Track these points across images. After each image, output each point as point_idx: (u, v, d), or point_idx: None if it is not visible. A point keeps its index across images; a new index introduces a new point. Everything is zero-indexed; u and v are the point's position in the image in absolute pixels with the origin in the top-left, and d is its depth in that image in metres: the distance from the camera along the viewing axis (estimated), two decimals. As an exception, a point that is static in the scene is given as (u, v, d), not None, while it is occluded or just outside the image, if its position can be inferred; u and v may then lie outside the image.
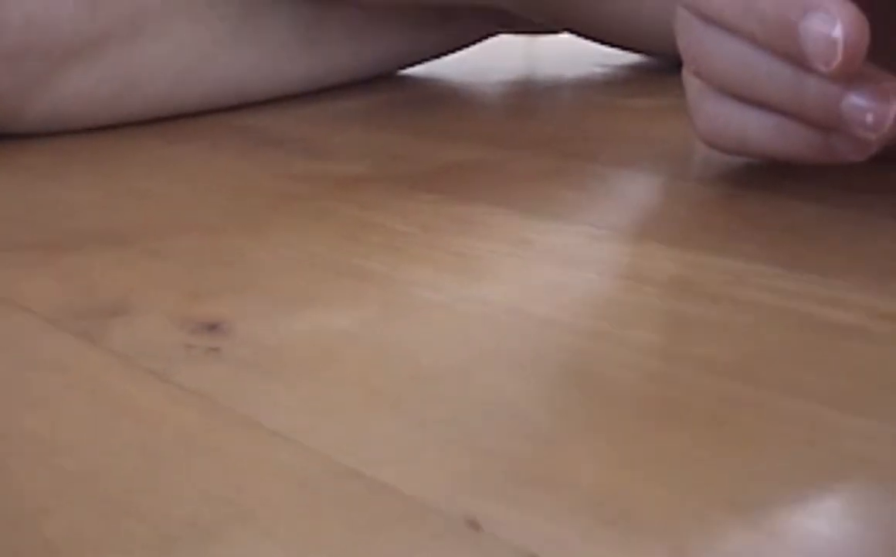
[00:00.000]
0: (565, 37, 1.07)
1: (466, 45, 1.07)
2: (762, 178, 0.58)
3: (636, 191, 0.59)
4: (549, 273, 0.46)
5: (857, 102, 0.46)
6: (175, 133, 0.80)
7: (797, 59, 0.47)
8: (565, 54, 1.15)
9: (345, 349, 0.39)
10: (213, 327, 0.41)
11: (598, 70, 1.05)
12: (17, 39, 0.74)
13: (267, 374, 0.37)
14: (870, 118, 0.46)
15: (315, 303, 0.44)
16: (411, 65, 1.06)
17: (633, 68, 1.04)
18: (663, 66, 1.01)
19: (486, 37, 1.08)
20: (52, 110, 0.79)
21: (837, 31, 0.44)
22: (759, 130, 0.52)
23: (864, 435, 0.30)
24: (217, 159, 0.71)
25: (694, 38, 0.53)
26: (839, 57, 0.44)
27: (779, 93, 0.49)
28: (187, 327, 0.41)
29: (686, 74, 0.57)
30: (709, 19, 0.51)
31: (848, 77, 0.45)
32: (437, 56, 1.06)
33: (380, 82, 1.03)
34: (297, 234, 0.53)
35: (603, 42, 1.06)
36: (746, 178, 0.59)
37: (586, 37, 1.04)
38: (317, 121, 0.85)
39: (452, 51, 1.07)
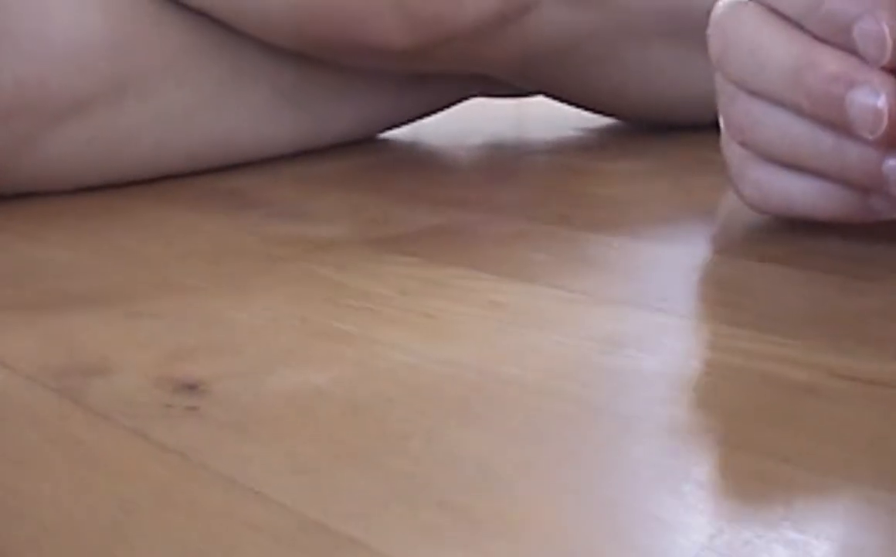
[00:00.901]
0: (544, 100, 1.09)
1: (446, 107, 1.09)
2: (730, 241, 0.60)
3: (607, 254, 0.61)
4: (520, 336, 0.47)
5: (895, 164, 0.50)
6: (159, 194, 0.82)
7: (841, 127, 0.50)
8: (544, 117, 1.16)
9: (318, 407, 0.40)
10: (191, 387, 0.42)
11: (575, 134, 1.07)
12: (8, 100, 0.76)
13: (243, 432, 0.38)
14: None
15: (290, 362, 0.45)
16: (392, 127, 1.07)
17: (611, 132, 1.06)
18: (641, 129, 1.03)
19: (465, 98, 1.09)
20: (41, 170, 0.80)
21: (882, 103, 0.48)
22: (803, 194, 0.55)
23: (816, 489, 0.32)
24: (200, 221, 0.72)
25: (740, 111, 0.56)
26: (884, 125, 0.48)
27: (822, 158, 0.53)
28: (166, 386, 0.42)
29: (728, 143, 0.59)
30: (756, 93, 0.55)
31: (889, 142, 0.49)
32: (418, 117, 1.07)
33: (361, 145, 1.04)
34: (277, 295, 0.55)
35: (587, 109, 1.08)
36: (719, 241, 0.61)
37: (570, 103, 1.06)
38: (298, 183, 0.86)
39: (433, 112, 1.08)
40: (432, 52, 0.89)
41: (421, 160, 0.98)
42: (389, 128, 1.07)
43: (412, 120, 1.07)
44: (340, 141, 1.01)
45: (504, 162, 0.94)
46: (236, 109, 0.90)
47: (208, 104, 0.88)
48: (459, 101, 1.09)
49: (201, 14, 0.86)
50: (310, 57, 0.92)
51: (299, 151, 0.97)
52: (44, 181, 0.81)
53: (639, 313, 0.50)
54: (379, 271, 0.58)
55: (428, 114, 1.08)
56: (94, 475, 0.35)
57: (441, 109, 1.08)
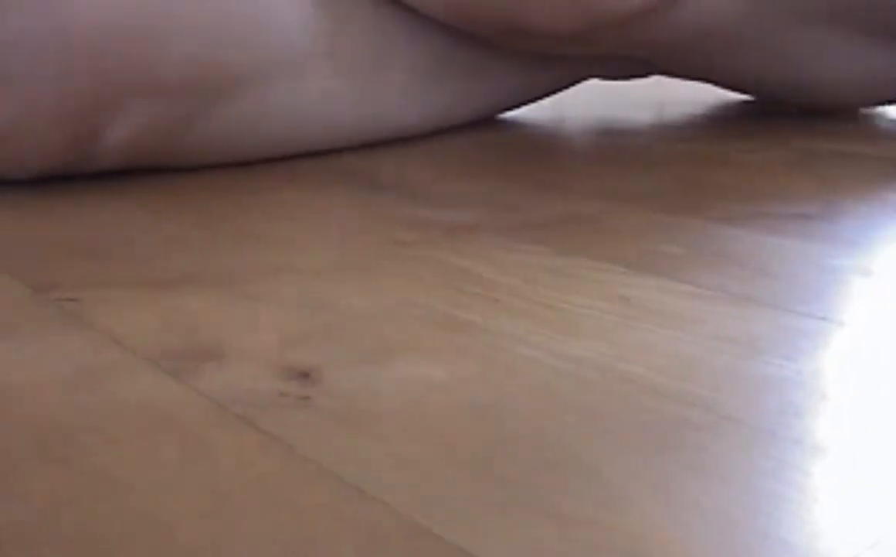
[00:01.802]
0: (660, 80, 1.07)
1: (566, 87, 1.08)
2: (876, 240, 0.57)
3: (743, 249, 0.58)
4: (647, 333, 0.45)
5: None
6: (287, 175, 0.81)
7: None
8: (643, 99, 1.14)
9: (432, 402, 0.39)
10: (305, 375, 0.41)
11: (702, 117, 1.04)
12: (178, 76, 0.77)
13: (353, 425, 0.37)
14: None
15: (409, 354, 0.44)
16: (516, 107, 1.07)
17: (740, 116, 1.03)
18: (773, 115, 1.00)
19: (584, 79, 1.08)
20: (200, 146, 0.82)
21: None
22: None
23: (955, 519, 0.29)
24: (328, 203, 0.72)
25: None
26: None
27: None
28: (280, 374, 0.41)
29: None
30: None
31: None
32: (540, 97, 1.07)
33: (483, 127, 1.03)
34: (399, 282, 0.53)
35: (729, 88, 1.05)
36: (864, 241, 0.58)
37: (711, 83, 1.04)
38: (429, 166, 0.85)
39: (553, 92, 1.08)
40: (594, 36, 0.90)
41: (548, 144, 0.96)
42: (513, 107, 1.07)
43: (534, 100, 1.07)
44: (470, 120, 1.02)
45: (635, 149, 0.92)
46: (377, 88, 0.91)
47: (352, 84, 0.89)
48: (579, 81, 1.09)
49: None
50: (444, 38, 0.94)
51: (432, 131, 0.98)
52: (202, 157, 0.83)
53: (775, 315, 0.47)
54: (507, 260, 0.57)
55: (548, 94, 1.08)
56: (196, 464, 0.34)
57: (560, 89, 1.08)
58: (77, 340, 0.46)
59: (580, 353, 0.43)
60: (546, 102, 1.08)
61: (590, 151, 0.92)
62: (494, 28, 0.91)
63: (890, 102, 1.05)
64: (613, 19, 0.88)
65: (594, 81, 1.09)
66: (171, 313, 0.49)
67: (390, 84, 0.91)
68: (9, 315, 0.49)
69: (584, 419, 0.37)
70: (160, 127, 0.78)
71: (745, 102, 1.14)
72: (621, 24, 0.89)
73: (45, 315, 0.49)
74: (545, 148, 0.95)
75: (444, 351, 0.44)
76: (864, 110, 1.09)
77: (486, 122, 1.04)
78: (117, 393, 0.40)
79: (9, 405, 0.39)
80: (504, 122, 1.07)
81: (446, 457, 0.34)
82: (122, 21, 0.73)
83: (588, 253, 0.57)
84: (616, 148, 0.92)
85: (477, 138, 0.98)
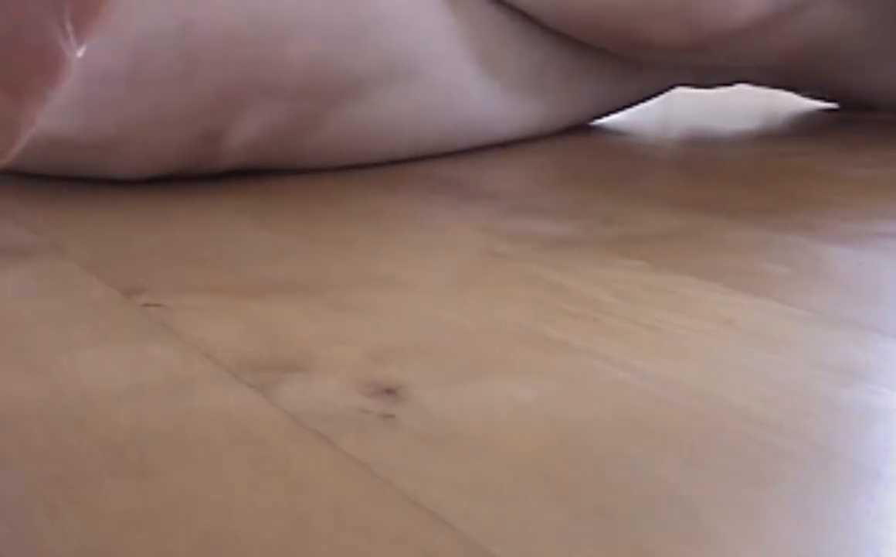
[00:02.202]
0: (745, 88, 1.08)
1: (657, 94, 1.08)
2: None
3: (852, 271, 0.56)
4: (748, 358, 0.43)
5: None
6: (385, 182, 0.80)
7: None
8: (731, 108, 1.13)
9: (520, 425, 0.37)
10: (390, 392, 0.40)
11: (799, 129, 1.01)
12: (299, 79, 0.77)
13: (435, 448, 0.35)
14: None
15: (498, 373, 0.42)
16: (608, 114, 1.06)
17: (839, 130, 1.00)
18: (873, 130, 0.97)
19: (673, 87, 1.09)
20: (320, 148, 0.82)
21: None
22: None
23: None
24: (423, 211, 0.71)
25: None
26: None
27: None
28: (365, 389, 0.40)
29: None
30: None
31: None
32: (634, 104, 1.07)
33: (574, 134, 1.02)
34: (492, 296, 0.52)
35: (836, 101, 1.04)
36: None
37: (817, 97, 1.03)
38: (522, 175, 0.84)
39: (642, 101, 1.08)
40: (706, 49, 0.92)
41: (644, 153, 0.94)
42: (606, 114, 1.06)
43: (626, 107, 1.07)
44: (566, 126, 1.01)
45: (734, 160, 0.89)
46: (487, 93, 0.90)
47: (465, 87, 0.89)
48: (668, 89, 1.08)
49: None
50: (545, 44, 0.93)
51: (535, 136, 0.97)
52: (321, 159, 0.83)
53: (884, 341, 0.45)
54: (604, 275, 0.55)
55: (639, 101, 1.07)
56: (271, 483, 0.33)
57: (650, 97, 1.08)
58: (160, 348, 0.45)
59: (676, 377, 0.41)
60: (634, 110, 1.07)
61: (688, 162, 0.90)
62: (613, 41, 0.93)
63: None
64: (724, 35, 0.90)
65: (683, 90, 1.09)
66: (258, 321, 0.48)
67: (498, 90, 0.91)
68: (95, 320, 0.49)
69: (677, 448, 0.35)
70: (282, 128, 0.78)
71: (841, 113, 1.11)
72: (732, 38, 0.90)
73: (130, 321, 0.48)
74: (641, 157, 0.93)
75: (534, 371, 0.42)
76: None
77: (579, 128, 1.03)
78: (196, 405, 0.39)
79: (88, 412, 0.38)
80: (597, 128, 1.05)
81: (529, 485, 0.33)
82: (246, 21, 0.74)
83: (688, 269, 0.55)
84: (714, 159, 0.90)
85: (572, 145, 0.96)
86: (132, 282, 0.54)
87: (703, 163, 0.89)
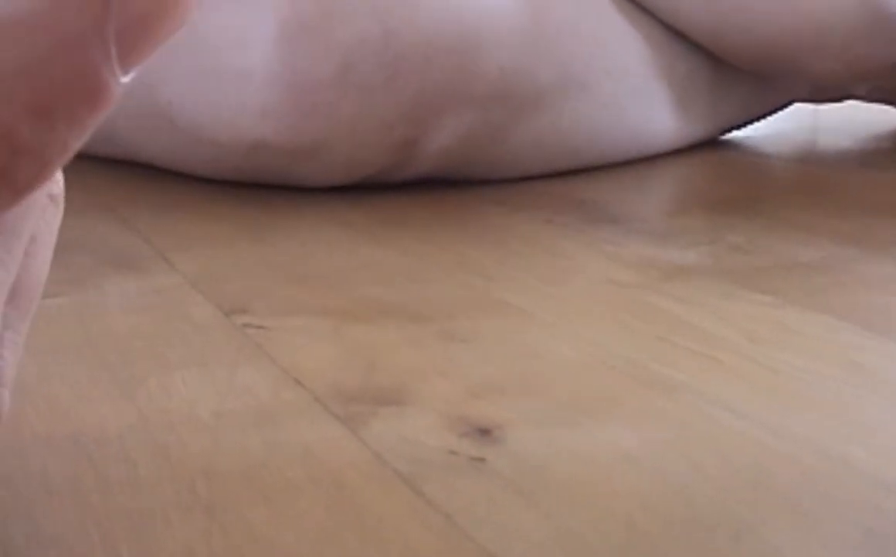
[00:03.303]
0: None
1: (779, 109, 1.10)
2: None
3: None
4: (878, 410, 0.40)
5: None
6: (514, 200, 0.78)
7: None
8: (842, 123, 1.11)
9: (619, 477, 0.34)
10: (484, 433, 0.38)
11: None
12: (490, 88, 0.78)
13: (524, 499, 0.33)
14: None
15: (603, 415, 0.39)
16: (735, 129, 1.07)
17: None
18: None
19: (793, 102, 1.11)
20: (505, 157, 0.83)
21: None
22: None
23: None
24: (547, 234, 0.68)
25: None
26: None
27: None
28: (458, 428, 0.38)
29: None
30: None
31: None
32: (756, 120, 1.08)
33: (700, 150, 0.99)
34: (607, 328, 0.49)
35: None
36: None
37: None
38: (651, 195, 0.81)
39: (768, 115, 1.09)
40: (864, 80, 0.98)
41: (779, 174, 0.90)
42: (734, 129, 1.07)
43: (753, 121, 1.08)
44: (707, 138, 1.01)
45: (870, 184, 0.84)
46: (647, 105, 0.92)
47: (632, 97, 0.90)
48: (789, 104, 1.10)
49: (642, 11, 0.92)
50: (690, 59, 0.95)
51: (679, 148, 0.98)
52: (504, 169, 0.84)
53: None
54: (728, 310, 0.52)
55: (766, 115, 1.09)
56: (345, 530, 0.31)
57: (775, 111, 1.09)
58: (251, 373, 0.43)
59: (797, 429, 0.38)
60: (762, 125, 1.06)
61: (819, 185, 0.85)
62: (769, 70, 0.97)
63: None
64: (884, 68, 0.94)
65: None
66: (359, 347, 0.46)
67: (656, 103, 0.92)
68: (191, 340, 0.47)
69: (791, 511, 0.32)
70: (471, 138, 0.79)
71: None
72: (892, 71, 0.95)
73: (226, 343, 0.47)
74: (771, 179, 0.89)
75: (643, 414, 0.39)
76: None
77: (703, 145, 1.01)
78: (278, 438, 0.37)
79: (167, 441, 0.37)
80: (726, 144, 1.03)
81: (624, 544, 0.30)
82: (444, 30, 0.75)
83: (818, 306, 0.52)
84: (846, 183, 0.85)
85: (699, 164, 0.94)
86: (235, 300, 0.53)
87: (833, 187, 0.85)
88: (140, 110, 0.79)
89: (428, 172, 0.81)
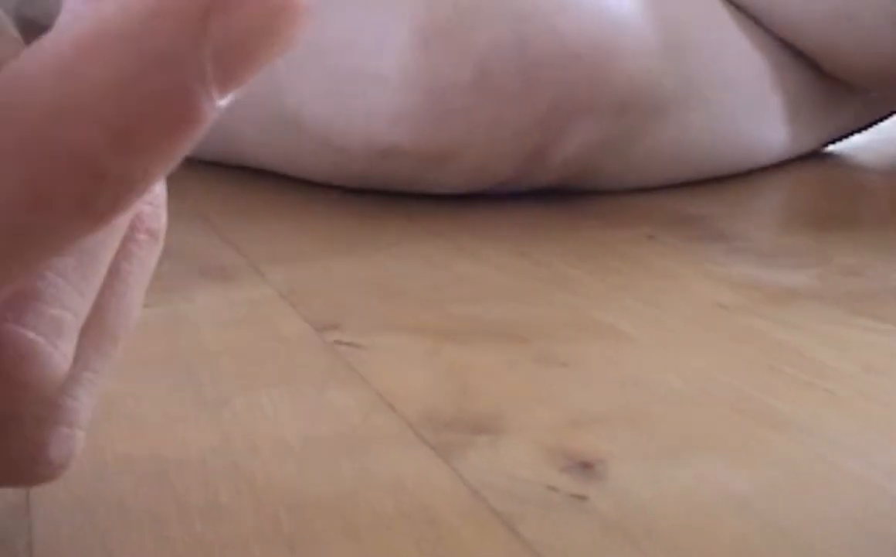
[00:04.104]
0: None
1: (877, 123, 1.08)
2: None
3: None
4: None
5: None
6: (612, 215, 0.76)
7: None
8: None
9: (727, 521, 0.32)
10: (585, 467, 0.35)
11: None
12: (618, 97, 0.77)
13: (626, 543, 0.31)
14: None
15: (709, 451, 0.37)
16: (842, 139, 1.05)
17: None
18: None
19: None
20: (624, 169, 0.82)
21: None
22: None
23: None
24: (651, 251, 0.66)
25: None
26: None
27: None
28: (557, 462, 0.36)
29: None
30: None
31: None
32: (861, 130, 1.06)
33: (803, 163, 0.97)
34: (713, 355, 0.47)
35: None
36: None
37: None
38: (760, 213, 0.78)
39: (867, 127, 1.07)
40: None
41: (885, 191, 0.86)
42: (839, 140, 1.05)
43: (856, 133, 1.06)
44: (809, 151, 1.00)
45: None
46: (765, 115, 0.90)
47: (748, 110, 0.88)
48: (888, 116, 1.08)
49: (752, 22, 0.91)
50: (801, 70, 0.93)
51: (786, 161, 0.97)
52: (623, 181, 0.83)
53: None
54: (842, 338, 0.49)
55: (865, 128, 1.07)
56: (435, 575, 0.29)
57: (874, 123, 1.07)
58: (342, 395, 0.41)
59: (920, 473, 0.36)
60: (860, 139, 1.03)
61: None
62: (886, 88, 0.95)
63: None
64: None
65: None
66: (454, 370, 0.44)
67: (768, 115, 0.91)
68: (280, 357, 0.46)
69: (917, 569, 0.30)
70: (598, 147, 0.78)
71: None
72: None
73: (317, 361, 0.45)
74: (881, 195, 0.85)
75: (751, 452, 0.37)
76: None
77: (806, 157, 0.99)
78: (369, 467, 0.35)
79: (251, 467, 0.35)
80: (824, 156, 1.00)
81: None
82: (580, 38, 0.74)
83: (941, 340, 0.49)
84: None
85: (805, 177, 0.92)
86: (327, 316, 0.51)
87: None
88: (265, 115, 0.78)
89: (550, 182, 0.80)
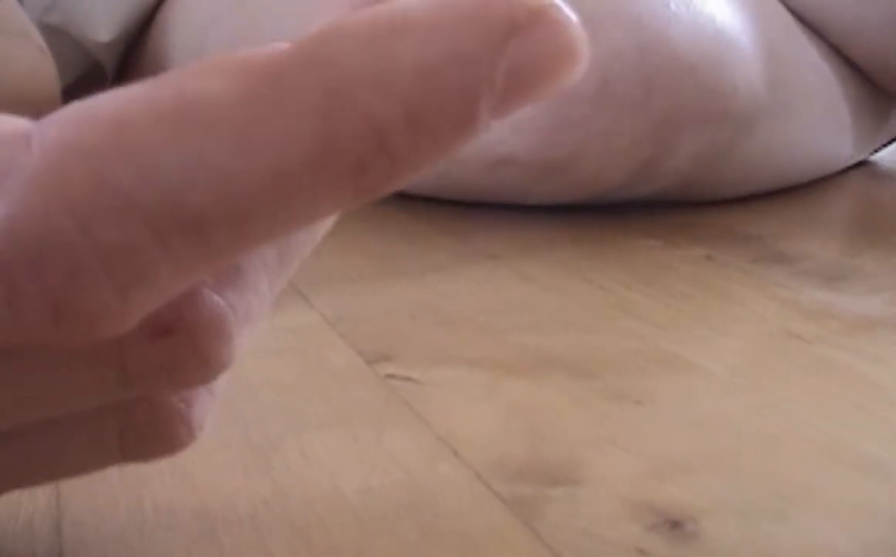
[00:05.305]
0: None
1: None
2: None
3: None
4: None
5: None
6: (666, 233, 0.72)
7: None
8: None
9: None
10: (675, 526, 0.32)
11: None
12: (725, 107, 0.76)
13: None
14: None
15: (809, 506, 0.34)
16: (882, 148, 1.05)
17: None
18: None
19: None
20: (721, 178, 0.81)
21: None
22: None
23: None
24: (711, 273, 0.62)
25: None
26: None
27: None
28: (644, 518, 0.33)
29: None
30: None
31: None
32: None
33: (846, 177, 0.94)
34: (794, 392, 0.43)
35: None
36: None
37: None
38: (821, 230, 0.75)
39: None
40: None
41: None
42: (881, 150, 1.06)
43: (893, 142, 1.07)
44: (862, 158, 1.00)
45: None
46: (835, 125, 0.90)
47: (822, 119, 0.88)
48: None
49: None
50: (856, 80, 0.93)
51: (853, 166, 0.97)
52: (716, 191, 0.83)
53: None
54: (928, 372, 0.46)
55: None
56: None
57: None
58: (401, 437, 0.38)
59: None
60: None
61: None
62: None
63: None
64: None
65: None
66: (520, 409, 0.41)
67: (837, 127, 0.91)
68: (331, 393, 0.43)
69: None
70: (703, 157, 0.77)
71: None
72: None
73: (370, 398, 0.42)
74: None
75: (853, 506, 0.34)
76: None
77: (851, 171, 0.97)
78: (436, 524, 0.32)
79: (307, 522, 0.32)
80: (865, 168, 0.98)
81: None
82: (694, 46, 0.73)
83: None
84: None
85: (853, 190, 0.89)
86: (378, 346, 0.48)
87: None
88: None
89: (654, 193, 0.79)
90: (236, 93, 0.19)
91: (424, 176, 0.78)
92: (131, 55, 1.12)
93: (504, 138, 0.73)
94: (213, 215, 0.19)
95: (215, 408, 0.28)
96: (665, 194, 0.80)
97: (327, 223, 0.28)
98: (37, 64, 0.88)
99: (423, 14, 0.19)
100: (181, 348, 0.25)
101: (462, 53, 0.19)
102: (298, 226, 0.21)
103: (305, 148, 0.19)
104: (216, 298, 0.25)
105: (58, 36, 1.06)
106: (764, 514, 0.33)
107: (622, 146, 0.73)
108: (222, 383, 0.28)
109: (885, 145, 1.06)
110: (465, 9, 0.19)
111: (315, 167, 0.19)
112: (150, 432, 0.27)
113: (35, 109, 0.50)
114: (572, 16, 0.20)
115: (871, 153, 1.04)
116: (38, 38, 0.89)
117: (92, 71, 1.10)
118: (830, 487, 0.35)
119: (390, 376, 0.44)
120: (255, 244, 0.21)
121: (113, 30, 1.08)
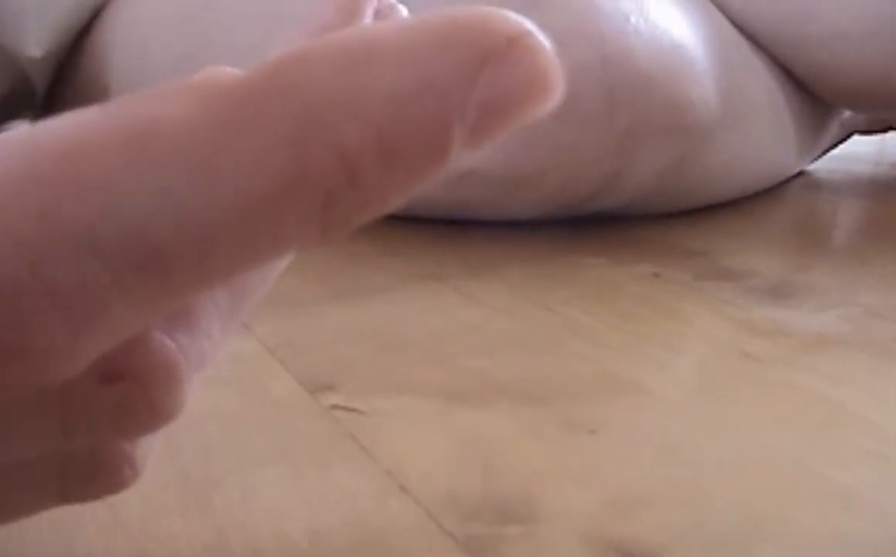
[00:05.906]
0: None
1: (841, 143, 1.11)
2: None
3: None
4: None
5: None
6: (611, 250, 0.71)
7: None
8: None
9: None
10: (637, 563, 0.31)
11: None
12: (683, 119, 0.75)
13: None
14: None
15: (781, 536, 0.32)
16: (815, 159, 1.08)
17: None
18: None
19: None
20: (675, 191, 0.81)
21: None
22: None
23: None
24: (658, 290, 0.61)
25: None
26: None
27: None
28: (603, 555, 0.31)
29: None
30: None
31: None
32: (825, 153, 1.10)
33: (787, 189, 0.95)
34: (755, 415, 0.42)
35: None
36: None
37: None
38: (763, 245, 0.74)
39: (833, 148, 1.10)
40: None
41: (868, 218, 0.83)
42: (814, 160, 1.08)
43: (822, 155, 1.10)
44: (802, 168, 1.02)
45: None
46: (780, 137, 0.92)
47: (769, 132, 0.89)
48: (850, 137, 1.13)
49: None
50: (803, 95, 0.95)
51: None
52: (672, 203, 0.83)
53: None
54: (889, 394, 0.45)
55: (832, 148, 1.11)
56: None
57: (840, 143, 1.11)
58: (347, 474, 0.36)
59: None
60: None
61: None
62: (879, 107, 0.95)
63: None
64: None
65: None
66: (468, 440, 0.39)
67: (782, 138, 0.92)
68: (273, 427, 0.41)
69: None
70: (660, 169, 0.77)
71: None
72: None
73: (314, 431, 0.40)
74: (869, 223, 0.81)
75: (827, 537, 0.32)
76: None
77: (788, 182, 0.99)
78: (390, 570, 0.30)
79: (251, 571, 0.30)
80: (799, 180, 0.98)
81: None
82: (656, 60, 0.73)
83: None
84: None
85: (789, 202, 0.90)
86: (320, 375, 0.46)
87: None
88: None
89: (617, 205, 0.79)
90: (198, 119, 0.18)
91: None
92: (64, 72, 1.08)
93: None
94: (173, 249, 0.18)
95: (157, 445, 0.27)
96: (629, 208, 0.80)
97: (283, 264, 0.27)
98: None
99: (396, 40, 0.18)
100: (130, 395, 0.23)
101: (435, 82, 0.18)
102: (261, 262, 0.19)
103: (272, 178, 0.18)
104: (168, 341, 0.23)
105: None
106: (730, 548, 0.32)
107: (587, 160, 0.73)
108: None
109: (821, 155, 1.08)
110: (438, 36, 0.18)
111: (282, 199, 0.18)
112: (92, 472, 0.26)
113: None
114: (546, 43, 0.19)
115: (810, 162, 1.05)
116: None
117: (20, 88, 1.07)
118: (799, 517, 0.34)
119: (334, 406, 0.42)
120: (216, 282, 0.19)
121: (45, 44, 1.04)
